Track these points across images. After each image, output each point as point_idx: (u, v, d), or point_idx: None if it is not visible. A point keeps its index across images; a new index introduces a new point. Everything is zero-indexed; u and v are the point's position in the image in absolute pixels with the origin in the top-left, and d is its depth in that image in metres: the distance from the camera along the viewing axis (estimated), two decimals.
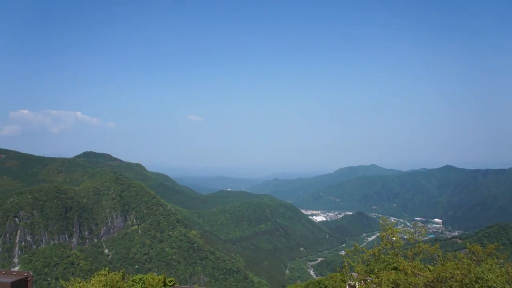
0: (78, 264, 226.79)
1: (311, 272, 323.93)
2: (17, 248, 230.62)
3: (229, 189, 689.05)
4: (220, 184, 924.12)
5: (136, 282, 47.76)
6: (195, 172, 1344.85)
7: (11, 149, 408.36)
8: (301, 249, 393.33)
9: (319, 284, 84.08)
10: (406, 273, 27.32)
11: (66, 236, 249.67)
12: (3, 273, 4.59)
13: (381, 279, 27.87)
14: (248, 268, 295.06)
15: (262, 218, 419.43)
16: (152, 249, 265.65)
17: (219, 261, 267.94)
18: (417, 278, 25.91)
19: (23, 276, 4.46)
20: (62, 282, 38.13)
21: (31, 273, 4.22)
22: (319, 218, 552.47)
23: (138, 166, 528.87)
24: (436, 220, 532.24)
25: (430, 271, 27.18)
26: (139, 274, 59.27)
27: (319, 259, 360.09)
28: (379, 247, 33.50)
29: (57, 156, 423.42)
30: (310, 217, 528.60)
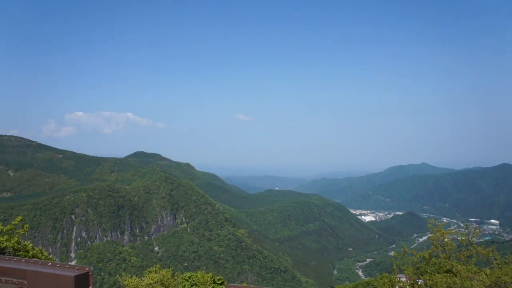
0: (129, 261, 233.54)
1: (360, 273, 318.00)
2: (73, 244, 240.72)
3: (276, 188, 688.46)
4: (268, 183, 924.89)
5: (185, 280, 47.97)
6: (243, 171, 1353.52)
7: (67, 149, 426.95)
8: (350, 249, 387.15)
9: (367, 286, 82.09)
10: (460, 277, 25.71)
11: (118, 233, 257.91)
12: (67, 267, 4.75)
13: (434, 281, 26.42)
14: (296, 268, 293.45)
15: (310, 217, 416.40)
16: (200, 247, 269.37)
17: (266, 260, 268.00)
18: (472, 282, 24.30)
19: (85, 271, 4.65)
20: (118, 277, 39.13)
21: (92, 268, 4.47)
22: (368, 218, 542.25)
23: (187, 165, 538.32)
24: (493, 221, 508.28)
25: (486, 275, 25.43)
26: (188, 272, 59.79)
27: (368, 260, 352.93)
28: (430, 250, 31.76)
29: (109, 156, 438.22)
30: (359, 217, 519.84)
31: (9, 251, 23.10)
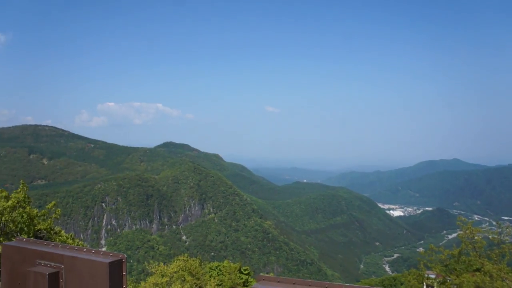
0: (157, 249, 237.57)
1: (387, 268, 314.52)
2: (103, 231, 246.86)
3: (304, 181, 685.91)
4: (296, 176, 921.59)
5: (212, 269, 48.60)
6: (271, 163, 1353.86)
7: (98, 139, 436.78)
8: (377, 243, 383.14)
9: (394, 281, 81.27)
10: (491, 276, 24.94)
11: (147, 222, 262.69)
12: (101, 254, 4.92)
13: (462, 280, 25.79)
14: (322, 261, 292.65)
15: (337, 210, 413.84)
16: (227, 237, 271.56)
17: (293, 252, 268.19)
18: (504, 283, 23.50)
19: (119, 258, 4.82)
20: (146, 264, 39.81)
21: (125, 256, 4.70)
22: (397, 213, 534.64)
23: (216, 156, 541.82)
24: None
25: None
26: (215, 262, 60.38)
27: (396, 255, 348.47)
28: (459, 248, 30.92)
29: (139, 146, 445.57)
30: (387, 211, 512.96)
31: (43, 234, 23.97)
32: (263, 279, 4.25)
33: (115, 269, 4.72)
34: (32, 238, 5.95)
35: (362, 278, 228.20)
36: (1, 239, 20.26)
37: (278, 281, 4.47)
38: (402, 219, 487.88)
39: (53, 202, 27.26)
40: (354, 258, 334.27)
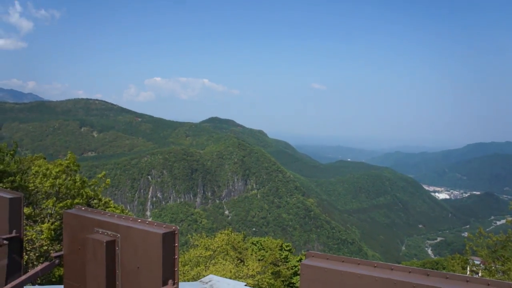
0: (200, 222, 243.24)
1: (429, 251, 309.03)
2: (149, 203, 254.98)
3: (348, 160, 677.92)
4: (340, 154, 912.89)
5: (254, 244, 49.43)
6: (315, 140, 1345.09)
7: (145, 113, 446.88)
8: (420, 226, 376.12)
9: (436, 265, 79.81)
10: None
11: (191, 195, 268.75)
12: (155, 225, 5.04)
13: (509, 267, 25.03)
14: (363, 241, 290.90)
15: (381, 191, 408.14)
16: (269, 213, 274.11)
17: (334, 230, 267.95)
18: None
19: (172, 229, 4.94)
20: (189, 236, 40.96)
21: (178, 228, 4.81)
22: (442, 196, 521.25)
23: (260, 132, 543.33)
24: None
25: None
26: (257, 237, 61.28)
27: (439, 239, 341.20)
28: (507, 235, 29.81)
29: (185, 121, 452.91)
30: (432, 193, 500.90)
31: (93, 203, 25.23)
32: (312, 256, 4.65)
33: (168, 240, 4.84)
34: (89, 207, 6.12)
35: (403, 260, 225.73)
36: (58, 205, 21.38)
37: (327, 258, 4.53)
38: (447, 202, 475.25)
39: (103, 173, 28.47)
40: (396, 240, 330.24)
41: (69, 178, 22.84)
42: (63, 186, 21.87)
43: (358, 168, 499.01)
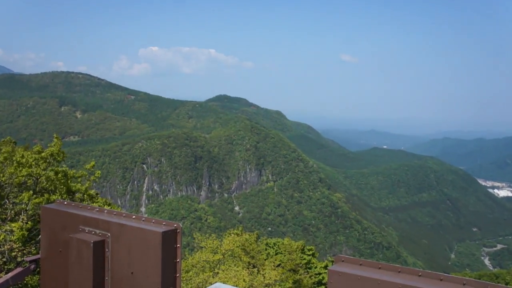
0: (206, 220, 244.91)
1: (486, 261, 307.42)
2: (144, 197, 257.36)
3: (384, 147, 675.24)
4: (375, 140, 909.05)
5: (270, 246, 49.64)
6: (344, 123, 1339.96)
7: (140, 90, 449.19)
8: (474, 229, 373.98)
9: (496, 279, 79.04)
10: None
11: (195, 188, 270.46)
12: (153, 222, 5.00)
13: None
14: (402, 245, 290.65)
15: (424, 185, 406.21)
16: (288, 210, 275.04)
17: (366, 232, 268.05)
18: None
19: (173, 227, 4.84)
20: (195, 235, 40.89)
21: (180, 225, 4.70)
22: (503, 193, 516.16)
23: (278, 114, 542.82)
24: None
25: None
26: (273, 238, 61.57)
27: (499, 246, 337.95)
28: None
29: (187, 99, 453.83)
30: (490, 190, 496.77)
31: (75, 197, 25.17)
32: (342, 261, 4.49)
33: (169, 240, 4.74)
34: (73, 202, 6.00)
35: (452, 270, 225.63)
36: (34, 200, 21.46)
37: (361, 264, 4.36)
38: (510, 201, 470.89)
39: (92, 162, 28.38)
40: (443, 245, 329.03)
41: (49, 169, 22.76)
42: (43, 177, 21.89)
43: (396, 157, 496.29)
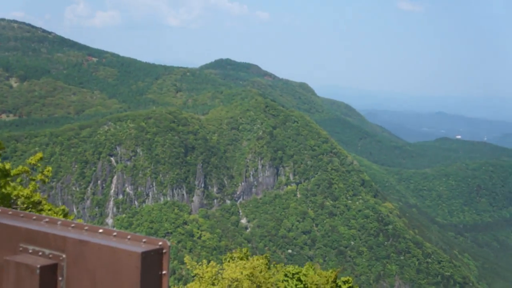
0: (199, 237, 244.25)
1: None
2: (111, 203, 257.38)
3: (458, 137, 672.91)
4: (443, 127, 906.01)
5: (289, 277, 49.38)
6: (398, 102, 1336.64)
7: (106, 49, 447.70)
8: None
9: None
10: None
11: (184, 192, 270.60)
12: (128, 238, 4.66)
13: None
14: (484, 280, 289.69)
15: None
16: (316, 225, 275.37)
17: (430, 260, 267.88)
18: None
19: (157, 246, 4.49)
20: (185, 259, 40.34)
21: (168, 243, 4.39)
22: None
23: (303, 87, 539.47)
24: None
25: None
26: (294, 265, 61.27)
27: None
28: None
29: (174, 65, 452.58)
30: None
31: (20, 206, 24.10)
32: None
33: (151, 264, 4.41)
34: (13, 210, 5.63)
35: None
36: None
37: None
38: None
39: (40, 155, 27.48)
40: None
41: None
42: None
43: (475, 152, 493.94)
